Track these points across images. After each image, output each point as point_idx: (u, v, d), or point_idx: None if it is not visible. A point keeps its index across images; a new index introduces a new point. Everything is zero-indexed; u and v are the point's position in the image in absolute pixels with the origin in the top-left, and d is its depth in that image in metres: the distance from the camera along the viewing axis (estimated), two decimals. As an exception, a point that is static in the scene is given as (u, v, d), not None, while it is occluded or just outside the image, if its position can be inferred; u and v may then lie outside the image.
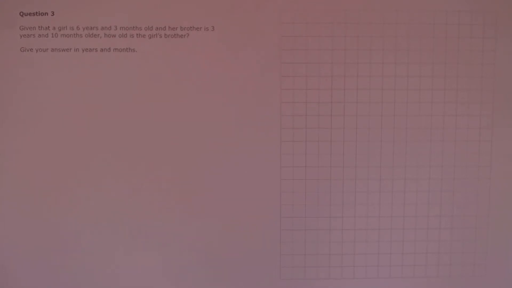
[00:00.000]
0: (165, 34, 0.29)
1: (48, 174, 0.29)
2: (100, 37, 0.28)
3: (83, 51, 0.28)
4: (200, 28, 0.29)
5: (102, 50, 0.29)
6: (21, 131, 0.29)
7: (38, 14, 0.28)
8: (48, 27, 0.28)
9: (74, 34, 0.28)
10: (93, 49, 0.28)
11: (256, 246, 0.30)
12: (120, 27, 0.28)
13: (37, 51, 0.28)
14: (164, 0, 0.29)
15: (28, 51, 0.28)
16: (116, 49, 0.29)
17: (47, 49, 0.28)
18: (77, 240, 0.30)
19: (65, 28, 0.28)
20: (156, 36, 0.29)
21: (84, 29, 0.28)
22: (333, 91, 0.30)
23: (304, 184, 0.30)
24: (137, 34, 0.29)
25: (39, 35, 0.28)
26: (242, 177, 0.30)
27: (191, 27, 0.29)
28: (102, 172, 0.29)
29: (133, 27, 0.29)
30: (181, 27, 0.29)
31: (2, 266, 0.30)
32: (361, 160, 0.30)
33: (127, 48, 0.29)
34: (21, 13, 0.28)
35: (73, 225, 0.29)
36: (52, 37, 0.28)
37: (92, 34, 0.28)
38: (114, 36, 0.28)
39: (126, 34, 0.29)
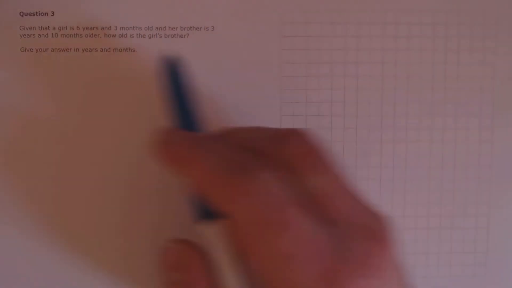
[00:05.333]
0: (165, 34, 0.29)
1: (49, 173, 0.29)
2: (100, 37, 0.28)
3: (83, 51, 0.28)
4: (200, 28, 0.29)
5: (102, 50, 0.29)
6: (21, 131, 0.29)
7: (38, 14, 0.28)
8: (48, 27, 0.28)
9: (74, 34, 0.28)
10: (93, 49, 0.28)
11: (256, 246, 0.30)
12: (120, 27, 0.29)
13: (37, 51, 0.28)
14: (164, 0, 0.29)
15: (28, 51, 0.28)
16: (116, 49, 0.29)
17: (47, 49, 0.28)
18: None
19: (65, 28, 0.28)
20: (156, 36, 0.29)
21: (84, 29, 0.28)
22: (333, 91, 0.30)
23: (304, 184, 0.30)
24: (137, 34, 0.29)
25: (39, 35, 0.28)
26: (242, 177, 0.30)
27: (191, 27, 0.29)
28: (102, 171, 0.29)
29: (133, 27, 0.29)
30: (181, 27, 0.29)
31: None
32: (361, 160, 0.30)
33: (127, 48, 0.29)
34: (21, 13, 0.28)
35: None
36: (52, 37, 0.28)
37: (92, 34, 0.28)
38: (114, 36, 0.29)
39: (126, 34, 0.29)
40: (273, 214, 0.20)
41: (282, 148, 0.22)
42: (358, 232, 0.21)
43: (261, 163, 0.21)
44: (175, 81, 0.24)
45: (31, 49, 0.28)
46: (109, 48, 0.29)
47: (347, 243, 0.20)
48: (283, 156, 0.22)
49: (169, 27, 0.29)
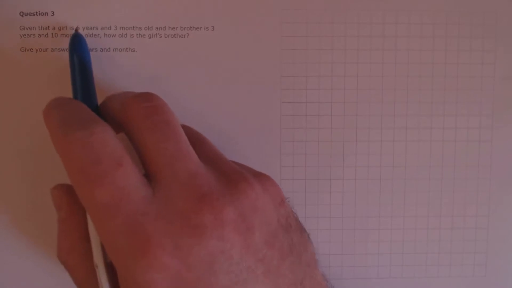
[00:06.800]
0: (165, 34, 0.29)
1: (48, 173, 0.29)
2: (100, 37, 0.28)
3: (83, 51, 0.28)
4: (200, 28, 0.29)
5: (102, 50, 0.29)
6: (21, 131, 0.29)
7: (38, 14, 0.28)
8: (48, 27, 0.28)
9: (74, 34, 0.28)
10: (93, 49, 0.29)
11: (256, 246, 0.30)
12: (120, 27, 0.29)
13: (37, 51, 0.28)
14: (164, 0, 0.29)
15: (28, 51, 0.28)
16: (116, 49, 0.29)
17: (47, 49, 0.28)
18: None
19: (65, 28, 0.28)
20: (156, 36, 0.29)
21: (84, 29, 0.28)
22: (333, 91, 0.30)
23: (304, 184, 0.30)
24: (137, 34, 0.29)
25: (39, 35, 0.28)
26: (242, 177, 0.30)
27: (191, 27, 0.29)
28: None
29: (133, 27, 0.29)
30: (181, 27, 0.29)
31: None
32: (361, 160, 0.30)
33: (127, 48, 0.29)
34: (21, 13, 0.28)
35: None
36: (52, 37, 0.28)
37: (92, 34, 0.28)
38: (114, 36, 0.29)
39: (126, 34, 0.29)
40: (88, 167, 0.20)
41: (132, 108, 0.23)
42: (181, 192, 0.21)
43: (96, 119, 0.22)
44: (75, 56, 0.26)
45: (31, 49, 0.28)
46: (109, 48, 0.29)
47: (168, 201, 0.21)
48: (130, 115, 0.23)
49: (169, 27, 0.29)
